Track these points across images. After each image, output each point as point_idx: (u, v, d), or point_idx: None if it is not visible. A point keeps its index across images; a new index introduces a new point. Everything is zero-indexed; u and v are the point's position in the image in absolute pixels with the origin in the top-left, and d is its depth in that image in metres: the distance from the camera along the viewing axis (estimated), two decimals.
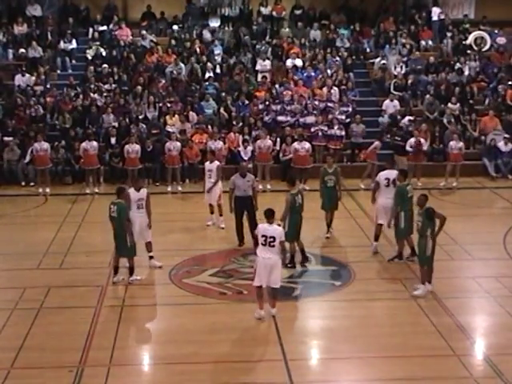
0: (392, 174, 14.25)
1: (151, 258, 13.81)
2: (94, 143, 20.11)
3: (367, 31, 26.98)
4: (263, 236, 11.13)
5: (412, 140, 20.51)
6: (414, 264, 13.61)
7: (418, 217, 12.38)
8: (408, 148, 20.51)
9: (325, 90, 23.02)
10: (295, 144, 20.38)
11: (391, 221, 13.71)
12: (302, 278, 13.31)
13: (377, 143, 20.63)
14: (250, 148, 20.72)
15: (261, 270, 11.20)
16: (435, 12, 27.45)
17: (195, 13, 27.35)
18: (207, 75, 23.94)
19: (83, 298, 12.25)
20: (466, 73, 24.60)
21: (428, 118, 22.52)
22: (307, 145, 20.41)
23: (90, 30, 26.30)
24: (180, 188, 20.01)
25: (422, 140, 20.55)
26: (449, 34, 26.49)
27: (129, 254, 12.77)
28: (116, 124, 21.62)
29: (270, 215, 11.34)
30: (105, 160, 20.69)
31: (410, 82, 24.06)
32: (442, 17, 27.37)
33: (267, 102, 22.42)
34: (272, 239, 11.08)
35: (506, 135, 21.64)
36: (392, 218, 13.65)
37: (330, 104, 22.50)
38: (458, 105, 22.85)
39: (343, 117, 22.08)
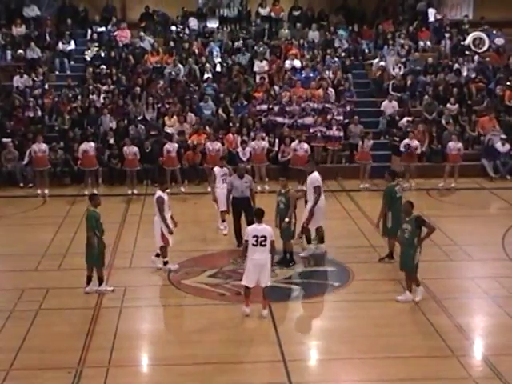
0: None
1: (158, 255, 13.77)
2: (93, 144, 20.10)
3: (366, 32, 26.99)
4: (254, 236, 11.17)
5: (405, 141, 20.53)
6: None
7: (404, 224, 11.98)
8: (401, 149, 20.54)
9: (321, 91, 23.00)
10: (294, 144, 20.42)
11: (379, 221, 13.76)
12: (301, 279, 13.31)
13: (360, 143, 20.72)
14: (248, 149, 20.72)
15: (250, 270, 11.26)
16: (431, 13, 27.47)
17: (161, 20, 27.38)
18: (206, 76, 23.96)
19: (82, 299, 12.23)
20: (465, 73, 24.60)
21: (426, 119, 22.52)
22: (305, 145, 20.43)
23: (89, 31, 26.26)
24: (182, 189, 19.98)
25: (415, 142, 20.50)
26: (447, 35, 26.51)
27: (94, 262, 12.34)
28: (114, 125, 21.63)
29: (260, 215, 11.44)
30: (103, 161, 20.68)
31: (408, 82, 24.07)
32: (439, 17, 27.40)
33: (267, 104, 22.41)
34: (263, 238, 11.13)
35: (503, 136, 21.64)
36: (380, 218, 13.68)
37: (327, 105, 22.50)
38: (457, 105, 22.87)
39: (341, 117, 22.09)
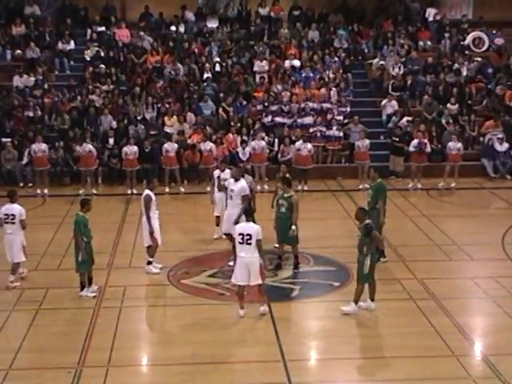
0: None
1: (150, 263, 13.64)
2: (91, 146, 20.01)
3: (365, 32, 26.97)
4: (240, 234, 11.22)
5: (415, 141, 20.44)
6: (411, 264, 13.67)
7: (358, 231, 11.68)
8: (411, 149, 20.45)
9: (323, 90, 23.01)
10: (298, 144, 20.37)
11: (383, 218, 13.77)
12: (301, 279, 13.30)
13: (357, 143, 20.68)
14: (248, 149, 20.71)
15: (237, 268, 11.32)
16: (430, 13, 27.48)
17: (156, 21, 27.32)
18: (205, 76, 23.95)
19: (81, 299, 12.23)
20: (464, 73, 24.60)
21: (426, 119, 22.51)
22: (309, 145, 20.38)
23: (88, 30, 26.23)
24: (182, 189, 19.98)
25: (425, 140, 20.48)
26: (447, 35, 26.50)
27: (79, 268, 12.28)
28: (114, 125, 21.63)
29: (249, 214, 11.56)
30: (103, 161, 20.67)
31: (408, 82, 24.05)
32: (438, 17, 27.40)
33: (266, 103, 22.41)
34: (248, 237, 11.16)
35: (500, 135, 21.59)
36: (383, 215, 13.69)
37: (328, 105, 22.48)
38: (457, 105, 22.85)
39: (341, 117, 22.08)
